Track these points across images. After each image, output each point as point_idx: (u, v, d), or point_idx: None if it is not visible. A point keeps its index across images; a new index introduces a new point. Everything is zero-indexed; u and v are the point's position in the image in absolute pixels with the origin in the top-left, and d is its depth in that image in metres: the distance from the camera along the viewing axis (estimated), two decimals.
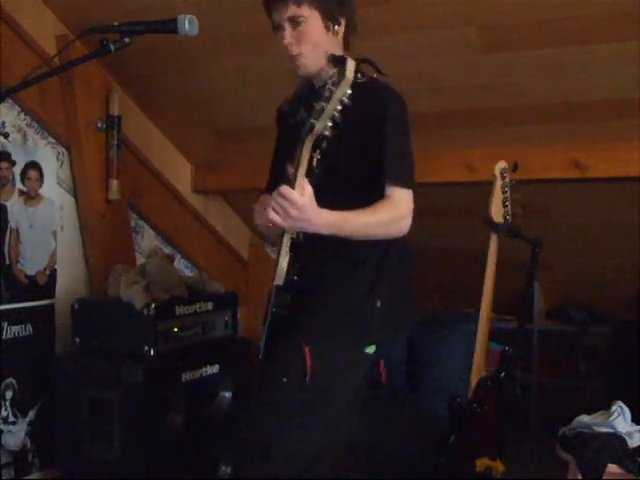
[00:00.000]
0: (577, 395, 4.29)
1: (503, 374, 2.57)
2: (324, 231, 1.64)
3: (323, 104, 1.50)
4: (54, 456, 2.88)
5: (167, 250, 3.57)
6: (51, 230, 3.00)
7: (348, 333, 1.77)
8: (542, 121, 2.88)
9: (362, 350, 1.81)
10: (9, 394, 2.79)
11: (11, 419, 2.80)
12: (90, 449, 2.66)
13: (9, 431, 2.79)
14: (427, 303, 4.34)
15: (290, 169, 1.59)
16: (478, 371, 2.61)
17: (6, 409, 2.78)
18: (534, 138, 2.97)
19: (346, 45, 1.87)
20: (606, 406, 2.63)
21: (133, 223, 3.46)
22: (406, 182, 1.76)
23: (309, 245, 1.74)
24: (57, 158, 3.04)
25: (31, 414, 2.88)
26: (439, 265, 4.31)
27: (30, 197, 2.88)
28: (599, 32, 2.39)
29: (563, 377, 4.30)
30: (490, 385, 2.56)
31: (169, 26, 1.66)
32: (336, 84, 1.48)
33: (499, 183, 2.61)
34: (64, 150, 3.07)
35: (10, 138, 2.80)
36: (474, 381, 2.59)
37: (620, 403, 2.60)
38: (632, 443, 2.46)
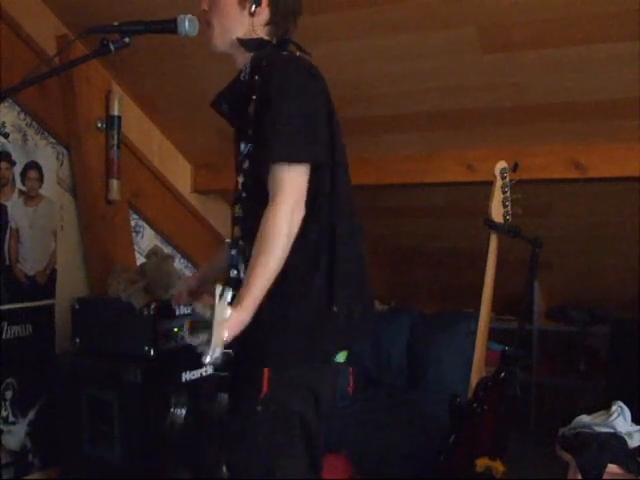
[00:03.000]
0: (577, 395, 4.30)
1: (503, 374, 2.57)
2: (248, 320, 1.48)
3: (202, 336, 1.38)
4: (54, 456, 2.88)
5: (167, 250, 3.57)
6: (51, 230, 3.00)
7: (311, 347, 1.60)
8: (542, 121, 2.89)
9: (331, 360, 1.67)
10: (9, 394, 2.79)
11: (11, 419, 2.80)
12: (90, 449, 2.66)
13: (9, 431, 2.79)
14: (427, 303, 4.34)
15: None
16: (478, 371, 2.61)
17: (6, 409, 2.78)
18: (534, 138, 2.97)
19: (273, 32, 1.71)
20: (606, 406, 2.63)
21: (133, 223, 3.46)
22: (284, 154, 1.51)
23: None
24: (57, 158, 3.04)
25: (31, 414, 2.88)
26: (439, 265, 4.31)
27: (30, 197, 2.88)
28: (599, 32, 2.39)
29: (563, 377, 4.30)
30: (490, 385, 2.56)
31: (169, 26, 1.66)
32: (211, 309, 1.38)
33: (499, 183, 2.62)
34: (64, 150, 3.07)
35: (10, 138, 2.80)
36: (474, 381, 2.59)
37: (620, 403, 2.60)
38: (632, 443, 2.46)
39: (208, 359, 1.38)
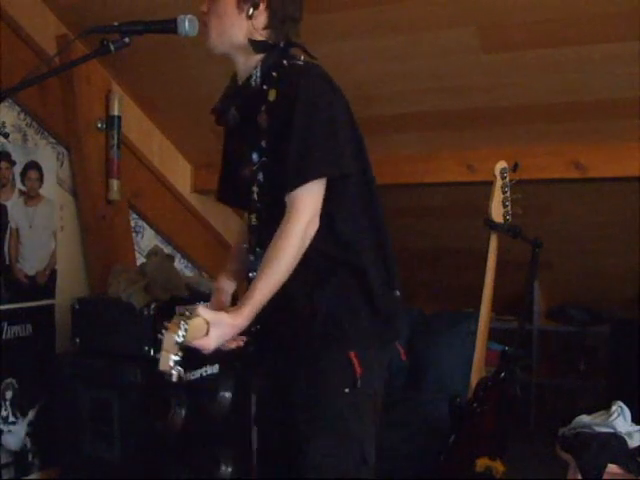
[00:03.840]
0: (577, 395, 4.30)
1: (503, 374, 2.57)
2: (244, 326, 1.57)
3: None
4: (54, 456, 2.88)
5: (167, 250, 3.57)
6: (51, 230, 2.99)
7: (384, 328, 1.72)
8: (542, 121, 2.89)
9: (396, 340, 1.84)
10: (9, 394, 2.79)
11: (11, 419, 2.80)
12: (90, 449, 2.66)
13: (9, 431, 2.79)
14: (427, 303, 4.34)
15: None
16: (478, 371, 2.61)
17: (6, 409, 2.78)
18: (534, 138, 2.97)
19: (272, 37, 1.70)
20: (606, 406, 2.63)
21: (133, 223, 3.46)
22: (306, 175, 1.56)
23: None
24: (57, 158, 3.04)
25: (31, 414, 2.88)
26: (439, 265, 4.31)
27: (30, 197, 2.88)
28: (599, 32, 2.39)
29: (563, 377, 4.30)
30: (490, 385, 2.56)
31: (169, 26, 1.66)
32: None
33: (499, 183, 2.62)
34: (64, 150, 3.07)
35: (10, 138, 2.80)
36: (474, 381, 2.59)
37: (620, 403, 2.60)
38: (632, 443, 2.46)
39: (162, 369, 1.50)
